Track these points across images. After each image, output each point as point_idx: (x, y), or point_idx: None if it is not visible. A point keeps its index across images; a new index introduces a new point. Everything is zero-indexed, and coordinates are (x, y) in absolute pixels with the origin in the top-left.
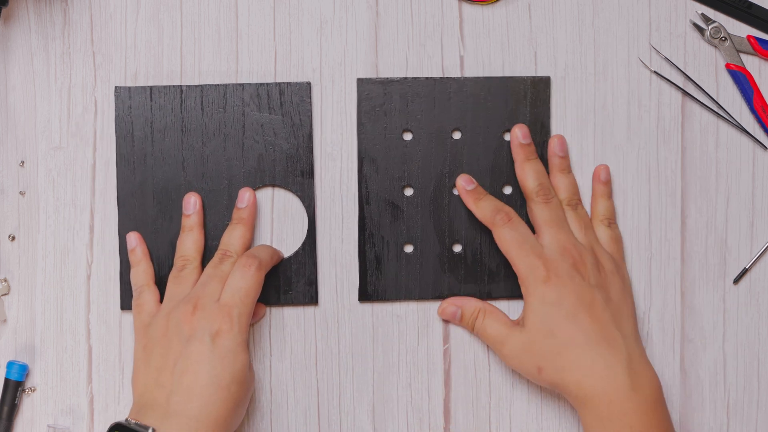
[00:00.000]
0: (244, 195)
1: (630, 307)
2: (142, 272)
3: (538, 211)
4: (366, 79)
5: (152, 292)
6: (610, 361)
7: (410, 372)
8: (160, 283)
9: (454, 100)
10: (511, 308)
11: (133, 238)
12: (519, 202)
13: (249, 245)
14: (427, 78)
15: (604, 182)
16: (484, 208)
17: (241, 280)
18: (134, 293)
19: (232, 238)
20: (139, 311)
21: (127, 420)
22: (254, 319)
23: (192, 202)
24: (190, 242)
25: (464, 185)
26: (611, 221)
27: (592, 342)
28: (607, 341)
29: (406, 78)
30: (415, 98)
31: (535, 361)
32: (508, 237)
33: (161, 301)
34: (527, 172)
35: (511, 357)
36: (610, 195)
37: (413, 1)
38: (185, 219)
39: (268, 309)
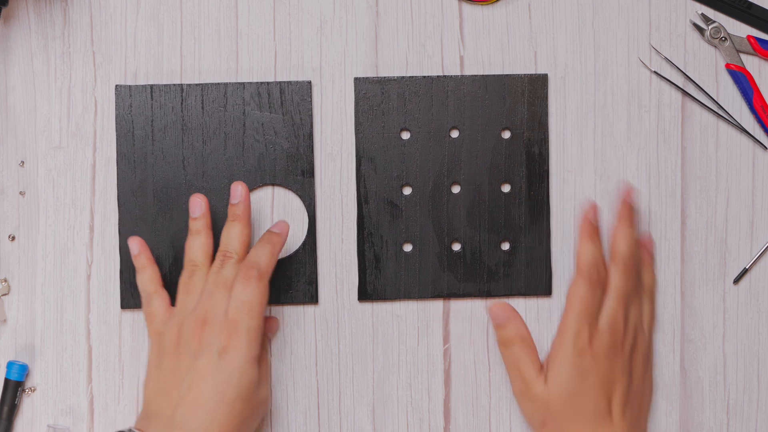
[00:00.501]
0: (236, 189)
1: (648, 397)
2: (148, 279)
3: (617, 277)
4: (363, 78)
5: (161, 298)
6: None
7: (410, 372)
8: (166, 283)
9: (451, 99)
10: None
11: (136, 244)
12: (517, 201)
13: (249, 242)
14: (424, 77)
15: (650, 252)
16: (588, 252)
17: (243, 294)
18: (143, 299)
19: (231, 237)
20: (151, 319)
21: (130, 429)
22: (269, 333)
23: (198, 204)
24: (197, 246)
25: (591, 216)
26: (652, 293)
27: (599, 421)
28: (613, 427)
29: (403, 77)
30: (412, 97)
31: (543, 416)
32: (582, 295)
33: (172, 302)
34: (620, 237)
35: (524, 399)
36: (653, 262)
37: (413, 1)
38: (192, 222)
39: (268, 309)
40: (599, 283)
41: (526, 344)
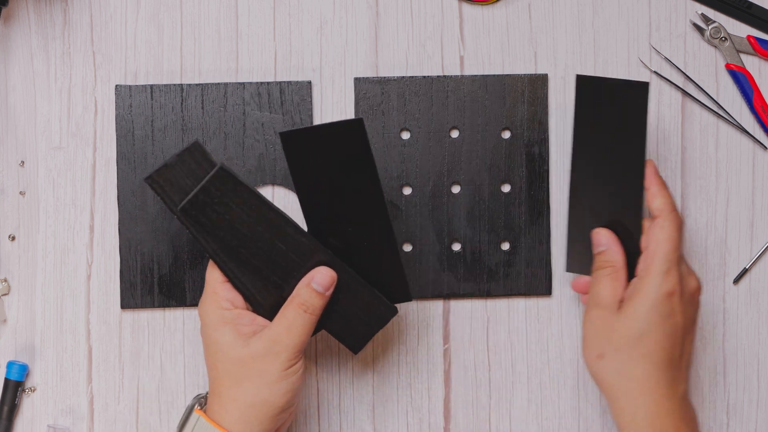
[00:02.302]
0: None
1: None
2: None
3: (675, 230)
4: (363, 78)
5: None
6: (667, 398)
7: (410, 372)
8: (166, 283)
9: (451, 99)
10: (510, 307)
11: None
12: (517, 201)
13: None
14: (424, 77)
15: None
16: (668, 197)
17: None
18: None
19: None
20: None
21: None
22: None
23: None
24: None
25: (655, 168)
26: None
27: (669, 367)
28: (676, 379)
29: (403, 77)
30: (412, 97)
31: (602, 346)
32: (671, 234)
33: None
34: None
35: (589, 325)
36: None
37: (413, 1)
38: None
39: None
40: (682, 227)
41: (615, 272)
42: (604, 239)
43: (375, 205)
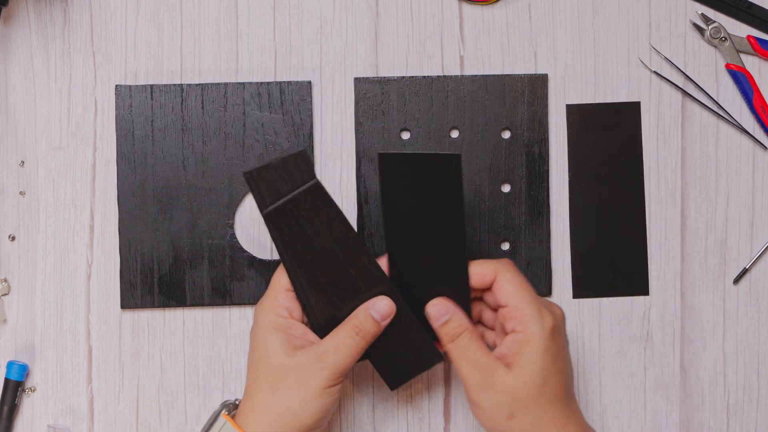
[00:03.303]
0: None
1: None
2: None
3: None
4: (363, 78)
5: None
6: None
7: None
8: (166, 283)
9: (451, 99)
10: None
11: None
12: (517, 201)
13: None
14: (424, 77)
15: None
16: (488, 264)
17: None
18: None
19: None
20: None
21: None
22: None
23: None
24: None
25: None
26: None
27: (571, 402)
28: (575, 407)
29: (403, 77)
30: (412, 97)
31: (509, 407)
32: (517, 278)
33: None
34: None
35: (485, 392)
36: None
37: (413, 1)
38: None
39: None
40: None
41: (474, 335)
42: (444, 308)
43: (454, 243)
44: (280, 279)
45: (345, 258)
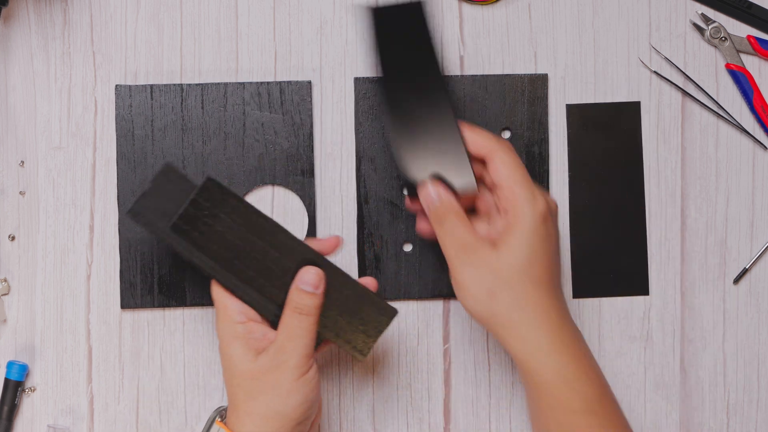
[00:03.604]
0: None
1: None
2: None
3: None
4: (363, 78)
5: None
6: (562, 318)
7: (410, 372)
8: (166, 283)
9: (451, 99)
10: None
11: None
12: None
13: None
14: None
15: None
16: (485, 135)
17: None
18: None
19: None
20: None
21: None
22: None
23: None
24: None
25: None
26: None
27: (557, 287)
28: (562, 299)
29: None
30: None
31: (490, 284)
32: (518, 159)
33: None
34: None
35: (466, 272)
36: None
37: None
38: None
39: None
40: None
41: (461, 216)
42: (433, 192)
43: (434, 84)
44: (218, 289)
45: (264, 243)
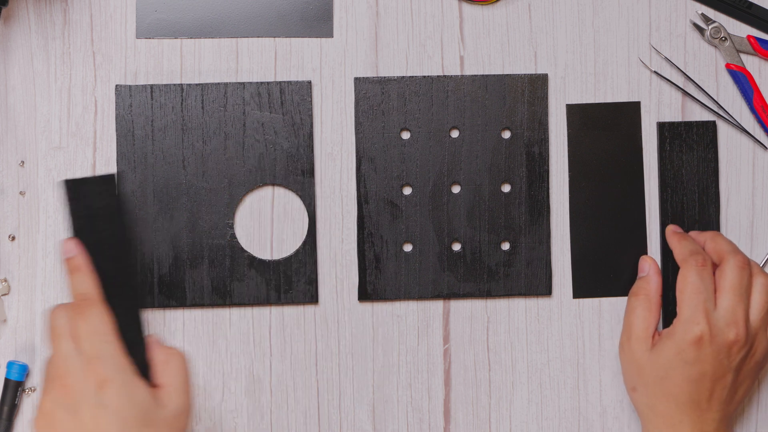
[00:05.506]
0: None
1: (746, 389)
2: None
3: (728, 271)
4: (363, 78)
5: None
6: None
7: (410, 372)
8: (165, 283)
9: (451, 99)
10: (510, 307)
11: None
12: (517, 201)
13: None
14: (424, 77)
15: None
16: (685, 246)
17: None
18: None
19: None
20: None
21: None
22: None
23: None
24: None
25: (673, 228)
26: None
27: (693, 409)
28: (703, 421)
29: (403, 77)
30: (412, 97)
31: (635, 380)
32: (692, 280)
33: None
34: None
35: (623, 353)
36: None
37: (413, 1)
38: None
39: (268, 308)
40: (705, 268)
41: (648, 302)
42: (647, 266)
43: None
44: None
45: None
